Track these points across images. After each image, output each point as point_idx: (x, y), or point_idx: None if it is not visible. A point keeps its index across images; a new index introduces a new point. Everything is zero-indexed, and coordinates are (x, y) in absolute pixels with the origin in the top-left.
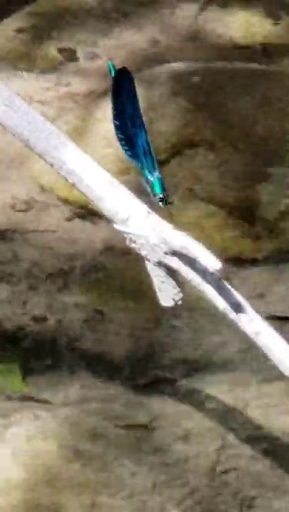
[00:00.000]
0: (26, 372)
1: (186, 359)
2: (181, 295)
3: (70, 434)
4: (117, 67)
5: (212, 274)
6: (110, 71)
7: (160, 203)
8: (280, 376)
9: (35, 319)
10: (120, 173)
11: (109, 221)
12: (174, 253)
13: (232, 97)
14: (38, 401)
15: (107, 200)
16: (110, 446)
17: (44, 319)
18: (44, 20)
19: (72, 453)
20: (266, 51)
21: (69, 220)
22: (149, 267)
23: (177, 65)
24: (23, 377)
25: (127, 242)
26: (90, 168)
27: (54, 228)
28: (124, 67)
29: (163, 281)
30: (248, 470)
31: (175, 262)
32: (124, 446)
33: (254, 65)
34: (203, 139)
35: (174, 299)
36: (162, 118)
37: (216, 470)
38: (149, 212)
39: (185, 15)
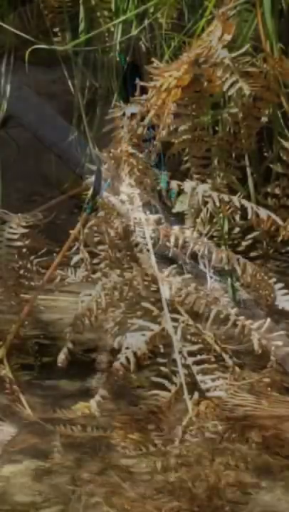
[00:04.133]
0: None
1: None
2: (185, 289)
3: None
4: (128, 60)
5: (218, 269)
6: (120, 63)
7: (167, 197)
8: (276, 372)
9: (37, 310)
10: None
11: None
12: (181, 248)
13: None
14: (38, 390)
15: (114, 193)
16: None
17: (47, 311)
18: (51, 14)
19: (70, 444)
20: None
21: (72, 213)
22: (154, 260)
23: None
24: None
25: (134, 235)
26: (98, 160)
27: (57, 221)
28: (134, 60)
29: (168, 275)
30: (245, 463)
31: (181, 257)
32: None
33: None
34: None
35: (176, 292)
36: None
37: (215, 461)
38: (156, 207)
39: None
